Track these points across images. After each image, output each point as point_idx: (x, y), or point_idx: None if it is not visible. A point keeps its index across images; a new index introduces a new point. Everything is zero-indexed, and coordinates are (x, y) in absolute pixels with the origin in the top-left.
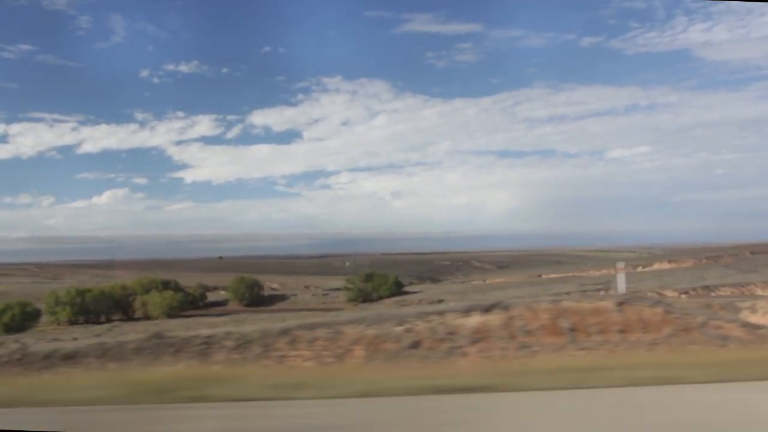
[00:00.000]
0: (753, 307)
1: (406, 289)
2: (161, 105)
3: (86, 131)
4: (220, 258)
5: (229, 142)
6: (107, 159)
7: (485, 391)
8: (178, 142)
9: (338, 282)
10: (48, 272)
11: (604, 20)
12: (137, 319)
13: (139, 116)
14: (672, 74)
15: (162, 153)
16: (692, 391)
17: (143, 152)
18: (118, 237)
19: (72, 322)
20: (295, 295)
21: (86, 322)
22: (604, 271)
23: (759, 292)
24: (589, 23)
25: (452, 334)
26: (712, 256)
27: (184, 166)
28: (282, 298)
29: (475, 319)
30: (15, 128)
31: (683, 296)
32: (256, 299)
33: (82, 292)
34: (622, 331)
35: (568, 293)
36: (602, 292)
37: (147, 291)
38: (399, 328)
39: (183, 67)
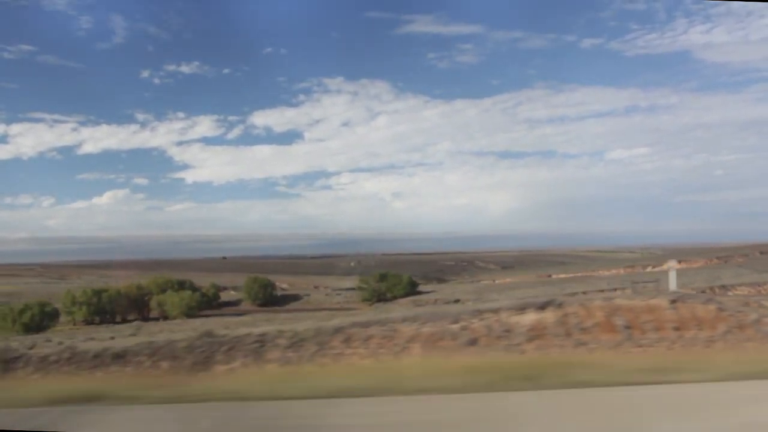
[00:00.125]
0: None
1: (419, 289)
2: (162, 105)
3: (87, 132)
4: (224, 258)
5: (230, 142)
6: (108, 159)
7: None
8: (179, 143)
9: (346, 282)
10: (54, 273)
11: (604, 22)
12: (154, 319)
13: (140, 117)
14: (672, 76)
15: (163, 153)
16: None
17: (144, 153)
18: (118, 237)
19: (88, 322)
20: (308, 295)
21: (102, 322)
22: (614, 271)
23: None
24: (589, 25)
25: (508, 331)
26: (722, 256)
27: (185, 167)
28: (295, 298)
29: (530, 317)
30: (15, 129)
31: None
32: (270, 299)
33: (98, 292)
34: (677, 329)
35: (584, 293)
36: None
37: (162, 291)
38: (455, 326)
39: (184, 68)
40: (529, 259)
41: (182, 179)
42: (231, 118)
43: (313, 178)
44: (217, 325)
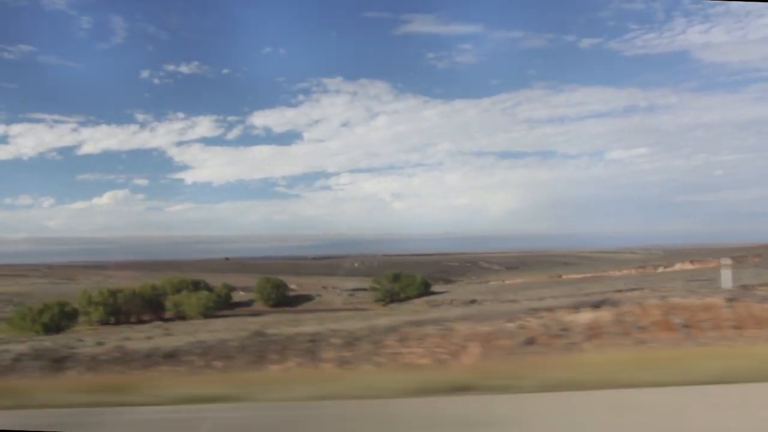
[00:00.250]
0: None
1: (433, 289)
2: (162, 106)
3: (87, 132)
4: (227, 259)
5: (229, 143)
6: (108, 160)
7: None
8: (179, 143)
9: (350, 283)
10: (60, 273)
11: (603, 21)
12: (170, 320)
13: (140, 117)
14: (671, 76)
15: (162, 154)
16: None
17: (144, 153)
18: (119, 238)
19: (103, 323)
20: (319, 295)
21: (117, 322)
22: (625, 272)
23: None
24: (588, 24)
25: (565, 330)
26: (735, 256)
27: (184, 167)
28: (307, 298)
29: (586, 315)
30: (15, 129)
31: None
32: (282, 300)
33: (113, 293)
34: (736, 327)
35: (619, 291)
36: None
37: (177, 291)
38: (511, 325)
39: (183, 68)
40: (531, 259)
41: (182, 180)
42: (230, 118)
43: (312, 178)
44: (239, 325)
